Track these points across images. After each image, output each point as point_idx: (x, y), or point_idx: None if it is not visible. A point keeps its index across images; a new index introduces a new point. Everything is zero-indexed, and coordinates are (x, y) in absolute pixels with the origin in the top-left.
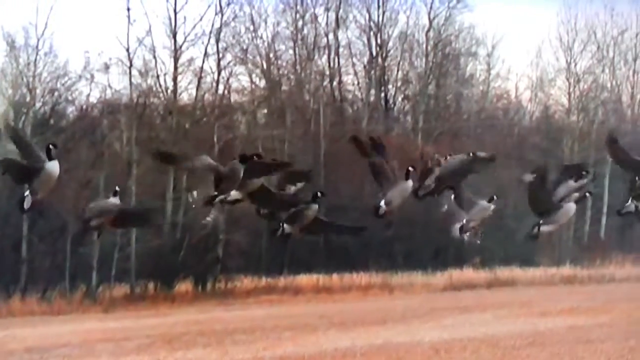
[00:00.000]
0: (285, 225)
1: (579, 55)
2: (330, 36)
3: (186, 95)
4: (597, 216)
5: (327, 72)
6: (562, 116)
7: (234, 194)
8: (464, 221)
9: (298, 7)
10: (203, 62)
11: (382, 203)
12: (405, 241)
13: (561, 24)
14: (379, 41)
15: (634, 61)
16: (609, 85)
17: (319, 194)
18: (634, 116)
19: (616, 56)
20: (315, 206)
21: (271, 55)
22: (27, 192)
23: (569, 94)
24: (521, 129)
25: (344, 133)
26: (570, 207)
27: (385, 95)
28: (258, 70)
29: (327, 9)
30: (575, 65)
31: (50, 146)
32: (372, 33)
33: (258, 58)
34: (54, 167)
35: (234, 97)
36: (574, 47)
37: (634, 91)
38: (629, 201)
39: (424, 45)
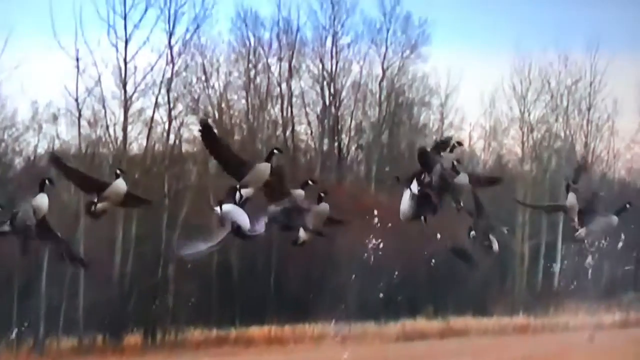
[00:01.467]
0: (301, 232)
1: (532, 104)
2: (283, 85)
3: (136, 145)
4: (550, 265)
5: (280, 121)
6: (516, 165)
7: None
8: None
9: (251, 56)
10: (154, 112)
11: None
12: (358, 290)
13: (515, 73)
14: (332, 90)
15: (588, 110)
16: (562, 134)
17: (322, 194)
18: (587, 165)
19: (570, 105)
20: (327, 205)
21: (223, 104)
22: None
23: (523, 143)
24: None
25: (296, 182)
26: None
27: (339, 144)
28: (210, 120)
29: (280, 59)
30: (529, 114)
31: (46, 181)
32: (325, 83)
33: (210, 107)
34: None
35: (185, 147)
36: (527, 96)
37: (588, 140)
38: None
39: (378, 95)
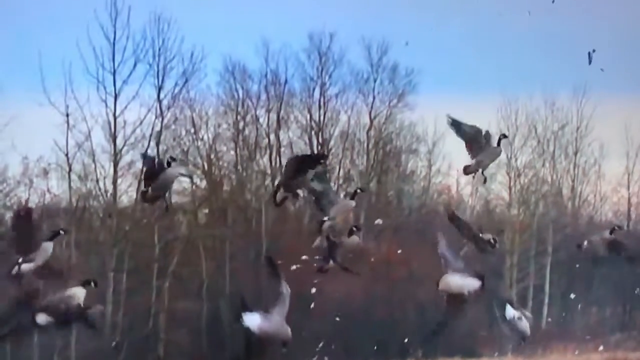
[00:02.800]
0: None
1: (519, 150)
2: (272, 136)
3: (126, 197)
4: (538, 306)
5: (269, 171)
6: (503, 210)
7: None
8: None
9: (239, 108)
10: (143, 165)
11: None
12: (345, 335)
13: (502, 119)
14: (320, 140)
15: (575, 154)
16: (549, 178)
17: (354, 228)
18: (574, 209)
19: (557, 150)
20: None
21: (212, 156)
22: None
23: (510, 188)
24: None
25: (285, 230)
26: None
27: None
28: (199, 171)
29: (268, 110)
30: (516, 159)
31: (60, 231)
32: (313, 133)
33: (199, 159)
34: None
35: (175, 198)
36: (514, 142)
37: (575, 184)
38: None
39: (365, 144)
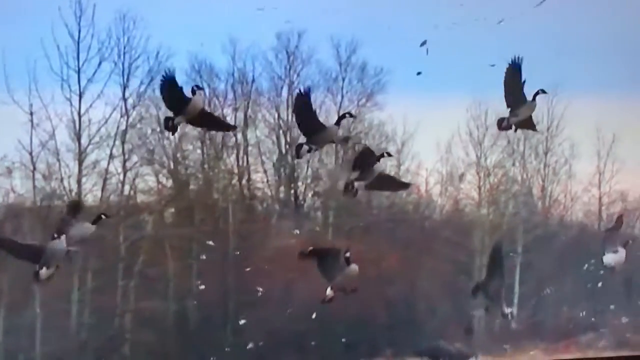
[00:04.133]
0: (328, 291)
1: (489, 149)
2: (239, 135)
3: (91, 196)
4: (508, 306)
5: (236, 171)
6: (473, 209)
7: None
8: None
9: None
10: (108, 163)
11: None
12: (317, 335)
13: (471, 119)
14: (288, 139)
15: (545, 154)
16: (519, 178)
17: (347, 254)
18: (545, 209)
19: (527, 149)
20: (356, 267)
21: (178, 155)
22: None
23: (479, 187)
24: (432, 222)
25: (253, 230)
26: None
27: (295, 192)
28: (165, 171)
29: (236, 109)
30: (486, 159)
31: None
32: (281, 131)
33: (165, 158)
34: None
35: (141, 198)
36: (484, 142)
37: (545, 184)
38: None
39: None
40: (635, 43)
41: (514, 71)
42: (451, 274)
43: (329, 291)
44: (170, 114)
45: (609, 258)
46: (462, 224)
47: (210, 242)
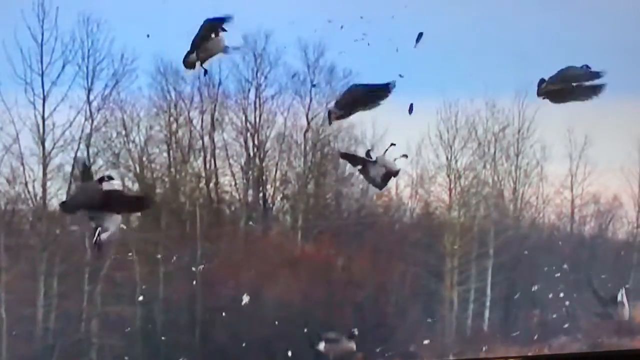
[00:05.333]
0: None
1: (459, 152)
2: (206, 138)
3: (56, 200)
4: (480, 309)
5: (203, 174)
6: (443, 212)
7: None
8: None
9: (172, 110)
10: (73, 167)
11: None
12: (286, 339)
13: (441, 121)
14: (256, 142)
15: (517, 156)
16: (490, 180)
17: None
18: (516, 211)
19: (498, 152)
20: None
21: (144, 158)
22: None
23: (450, 190)
24: (402, 225)
25: (221, 234)
26: None
27: (264, 195)
28: (131, 174)
29: (202, 112)
30: (456, 161)
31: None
32: (249, 134)
33: (130, 162)
34: None
35: None
36: (454, 144)
37: (516, 186)
38: None
39: (303, 146)
40: (606, 44)
41: None
42: (422, 277)
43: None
44: None
45: None
46: (433, 227)
47: (177, 246)
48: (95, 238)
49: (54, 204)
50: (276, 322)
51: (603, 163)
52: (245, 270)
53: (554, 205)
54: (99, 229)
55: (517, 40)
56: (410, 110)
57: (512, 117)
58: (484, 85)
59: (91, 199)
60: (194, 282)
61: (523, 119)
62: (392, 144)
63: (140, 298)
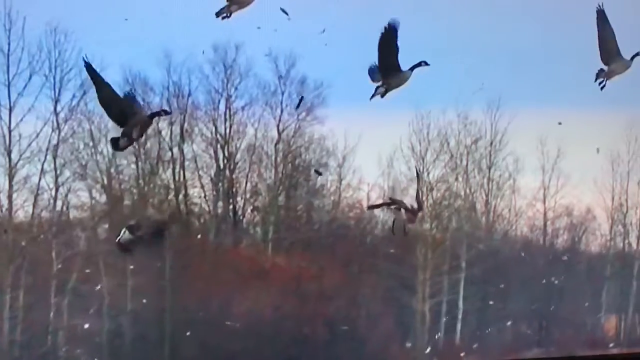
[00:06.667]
0: None
1: (431, 164)
2: (175, 149)
3: (22, 212)
4: (452, 322)
5: (172, 186)
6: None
7: None
8: None
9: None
10: (40, 179)
11: None
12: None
13: (413, 133)
14: (226, 154)
15: (489, 169)
16: (462, 193)
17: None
18: (489, 224)
19: (470, 164)
20: None
21: (112, 170)
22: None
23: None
24: (374, 237)
25: (189, 245)
26: None
27: (234, 207)
28: (98, 186)
29: (171, 123)
30: (428, 174)
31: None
32: (219, 146)
33: (98, 173)
34: None
35: (73, 213)
36: (426, 156)
37: (489, 198)
38: None
39: (274, 157)
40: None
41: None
42: (394, 289)
43: None
44: None
45: None
46: (405, 239)
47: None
48: (119, 238)
49: (20, 215)
50: (246, 335)
51: (576, 175)
52: (214, 284)
53: (527, 218)
54: (124, 229)
55: (489, 52)
56: (299, 105)
57: (485, 129)
58: (456, 97)
59: None
60: (163, 295)
61: (495, 131)
62: (318, 173)
63: (137, 304)
